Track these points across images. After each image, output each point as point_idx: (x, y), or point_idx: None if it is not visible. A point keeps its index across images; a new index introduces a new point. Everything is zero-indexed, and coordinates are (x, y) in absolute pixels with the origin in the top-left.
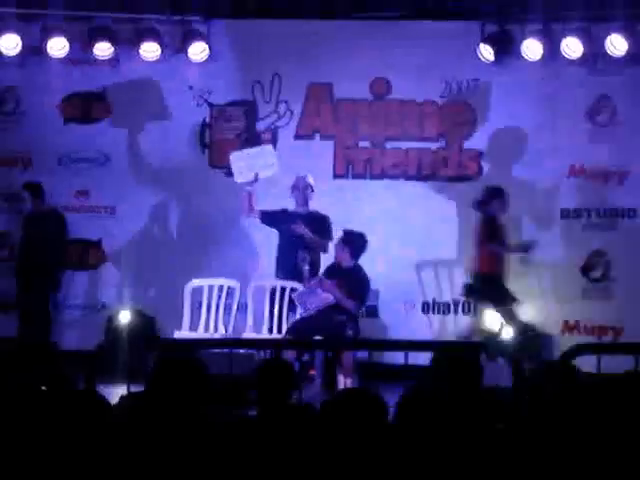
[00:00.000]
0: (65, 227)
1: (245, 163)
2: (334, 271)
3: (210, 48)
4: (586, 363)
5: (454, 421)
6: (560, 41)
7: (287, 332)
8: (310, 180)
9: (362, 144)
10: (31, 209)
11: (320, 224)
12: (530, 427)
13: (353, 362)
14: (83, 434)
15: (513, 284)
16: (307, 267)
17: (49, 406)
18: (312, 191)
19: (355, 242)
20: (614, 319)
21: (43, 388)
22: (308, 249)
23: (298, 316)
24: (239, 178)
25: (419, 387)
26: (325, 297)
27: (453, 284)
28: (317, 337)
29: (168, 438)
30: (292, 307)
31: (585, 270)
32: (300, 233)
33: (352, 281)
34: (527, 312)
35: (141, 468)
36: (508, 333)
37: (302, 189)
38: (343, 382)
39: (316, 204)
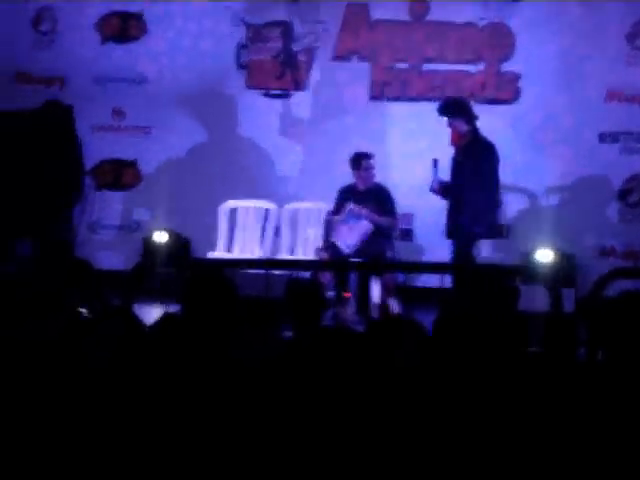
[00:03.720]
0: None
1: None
2: (356, 195)
3: None
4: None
5: (489, 343)
6: None
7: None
8: (372, 161)
9: (399, 66)
10: None
11: (381, 199)
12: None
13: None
14: (119, 355)
15: (549, 210)
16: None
17: (88, 325)
18: (374, 171)
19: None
20: None
21: (82, 308)
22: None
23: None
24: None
25: (454, 309)
26: (363, 227)
27: None
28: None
29: (202, 362)
30: (327, 231)
31: (622, 195)
32: (360, 215)
33: (380, 199)
34: (563, 237)
35: (174, 392)
36: (545, 257)
37: (364, 169)
38: (389, 304)
39: (351, 126)
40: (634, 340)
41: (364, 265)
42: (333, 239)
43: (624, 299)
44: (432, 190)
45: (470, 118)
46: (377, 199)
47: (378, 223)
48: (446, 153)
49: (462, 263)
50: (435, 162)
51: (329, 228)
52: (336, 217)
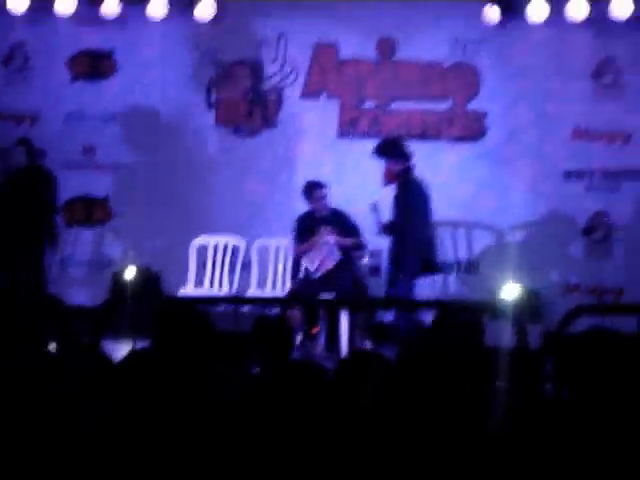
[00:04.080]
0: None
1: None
2: (316, 221)
3: (216, 7)
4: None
5: (454, 379)
6: (565, 3)
7: (292, 290)
8: (324, 190)
9: (367, 104)
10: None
11: (342, 222)
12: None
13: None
14: (90, 390)
15: (515, 246)
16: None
17: (57, 362)
18: (327, 198)
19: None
20: (615, 280)
21: (52, 344)
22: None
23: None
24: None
25: (420, 346)
26: (333, 252)
27: (456, 244)
28: (325, 294)
29: (172, 396)
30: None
31: (587, 231)
32: (332, 242)
33: (341, 222)
34: (529, 273)
35: (142, 425)
36: (510, 293)
37: (316, 199)
38: (359, 340)
39: (320, 163)
40: (597, 376)
41: (333, 302)
42: (305, 264)
43: (589, 336)
44: (379, 233)
45: (404, 158)
46: (338, 223)
47: (345, 244)
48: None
49: (396, 298)
50: (374, 206)
51: (299, 257)
52: (305, 244)
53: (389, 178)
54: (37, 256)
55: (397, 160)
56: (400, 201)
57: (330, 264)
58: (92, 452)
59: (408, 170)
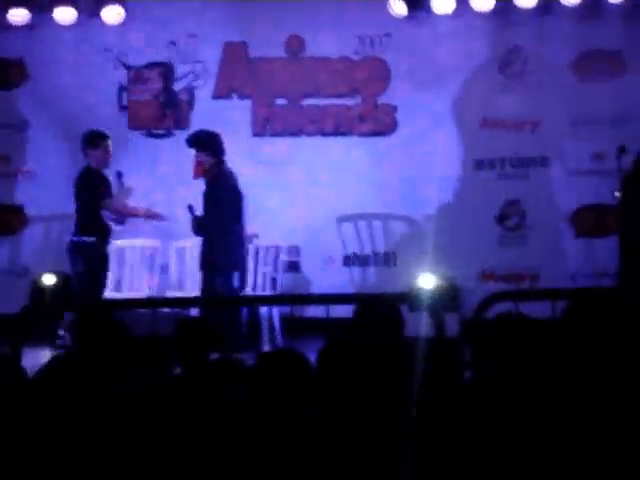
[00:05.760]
0: None
1: None
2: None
3: (125, 11)
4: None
5: (376, 372)
6: None
7: None
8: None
9: (279, 102)
10: None
11: None
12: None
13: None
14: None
15: (430, 236)
16: None
17: None
18: None
19: None
20: (530, 267)
21: None
22: None
23: None
24: None
25: (341, 339)
26: None
27: (373, 237)
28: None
29: (91, 401)
30: None
31: (500, 219)
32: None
33: None
34: (444, 262)
35: (63, 435)
36: (427, 284)
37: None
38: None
39: (235, 162)
40: (507, 361)
41: (252, 298)
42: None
43: (500, 322)
44: (196, 233)
45: (216, 152)
46: None
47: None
48: (330, 184)
49: (208, 295)
50: (190, 207)
51: None
52: None
53: (198, 171)
54: None
55: (207, 153)
56: (207, 197)
57: None
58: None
59: (218, 164)
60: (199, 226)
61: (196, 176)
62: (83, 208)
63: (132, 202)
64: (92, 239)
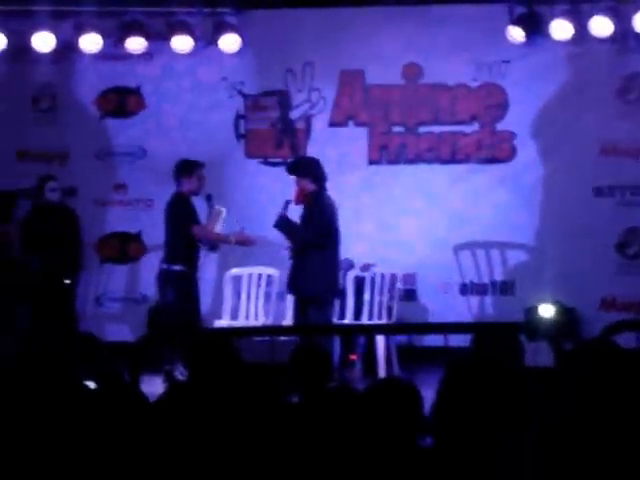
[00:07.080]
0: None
1: None
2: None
3: (241, 39)
4: (625, 341)
5: (496, 401)
6: (588, 20)
7: None
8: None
9: (396, 129)
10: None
11: None
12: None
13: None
14: (126, 430)
15: (550, 264)
16: None
17: (97, 402)
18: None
19: None
20: None
21: (90, 384)
22: None
23: None
24: None
25: (460, 367)
26: None
27: (491, 265)
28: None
29: (210, 428)
30: None
31: (620, 247)
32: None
33: None
34: (562, 291)
35: (186, 459)
36: (547, 312)
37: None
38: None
39: (352, 190)
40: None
41: (369, 327)
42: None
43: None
44: (275, 226)
45: (317, 178)
46: None
47: None
48: (447, 211)
49: (301, 323)
50: (286, 203)
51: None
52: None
53: (300, 197)
54: (65, 290)
55: (308, 179)
56: (304, 220)
57: None
58: None
59: (319, 190)
60: (282, 224)
61: (297, 202)
62: (172, 235)
63: (246, 230)
64: (181, 267)
